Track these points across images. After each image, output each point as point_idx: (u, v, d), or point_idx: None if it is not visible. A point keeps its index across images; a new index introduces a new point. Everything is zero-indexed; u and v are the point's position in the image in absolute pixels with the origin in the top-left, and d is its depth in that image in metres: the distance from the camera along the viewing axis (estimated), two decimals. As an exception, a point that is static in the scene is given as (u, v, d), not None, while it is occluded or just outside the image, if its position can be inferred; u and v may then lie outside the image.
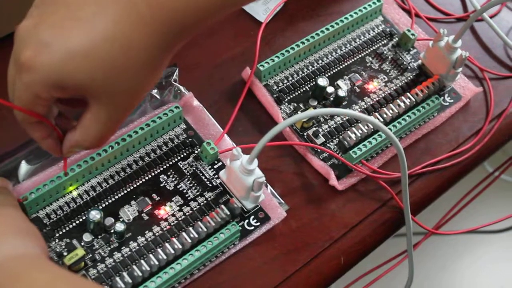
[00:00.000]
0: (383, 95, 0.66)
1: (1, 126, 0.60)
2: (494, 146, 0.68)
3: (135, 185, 0.57)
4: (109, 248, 0.54)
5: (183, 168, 0.59)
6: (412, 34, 0.68)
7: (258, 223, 0.58)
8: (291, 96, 0.64)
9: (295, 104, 0.64)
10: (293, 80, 0.65)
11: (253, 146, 0.55)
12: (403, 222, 0.62)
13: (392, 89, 0.66)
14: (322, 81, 0.63)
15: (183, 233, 0.54)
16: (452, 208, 0.79)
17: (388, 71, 0.67)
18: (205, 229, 0.55)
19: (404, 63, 0.68)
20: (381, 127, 0.54)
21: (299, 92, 0.65)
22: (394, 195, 0.62)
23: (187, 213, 0.57)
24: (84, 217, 0.55)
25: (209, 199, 0.58)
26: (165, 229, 0.56)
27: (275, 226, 0.58)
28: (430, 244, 1.22)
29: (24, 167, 0.56)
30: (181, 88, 0.62)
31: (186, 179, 0.58)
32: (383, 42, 0.69)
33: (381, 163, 0.63)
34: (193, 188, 0.58)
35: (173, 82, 0.62)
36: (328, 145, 0.62)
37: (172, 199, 0.57)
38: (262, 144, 0.52)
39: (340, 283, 0.67)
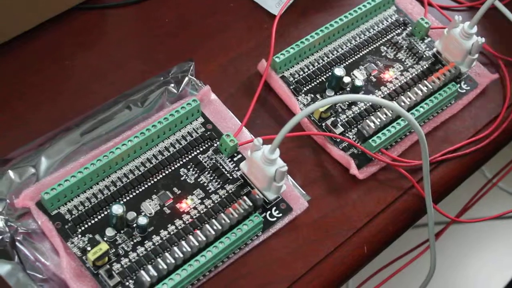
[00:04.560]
0: (399, 84, 0.65)
1: (18, 126, 0.59)
2: (512, 132, 0.68)
3: (155, 179, 0.57)
4: (132, 243, 0.54)
5: (203, 161, 0.59)
6: (426, 23, 0.68)
7: (280, 214, 0.57)
8: (308, 87, 0.64)
9: (312, 95, 0.63)
10: (309, 71, 0.65)
11: (273, 137, 0.55)
12: (425, 210, 0.61)
13: (408, 78, 0.66)
14: (339, 71, 0.63)
15: (207, 225, 0.54)
16: (472, 197, 0.79)
17: (403, 60, 0.67)
18: (228, 221, 0.54)
19: (419, 51, 0.68)
20: (402, 112, 0.54)
21: (316, 83, 0.64)
22: (415, 183, 0.61)
23: (209, 206, 0.56)
24: (105, 212, 0.55)
25: (230, 191, 0.57)
26: (187, 222, 0.55)
27: (297, 217, 0.58)
28: (452, 233, 1.21)
29: (44, 163, 0.56)
30: (198, 82, 0.62)
31: (206, 172, 0.58)
32: (397, 32, 0.69)
33: (401, 152, 0.63)
34: (213, 181, 0.58)
35: (190, 76, 0.62)
36: (347, 134, 0.62)
37: (193, 192, 0.57)
38: (285, 132, 0.52)
39: (363, 274, 0.67)
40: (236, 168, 0.59)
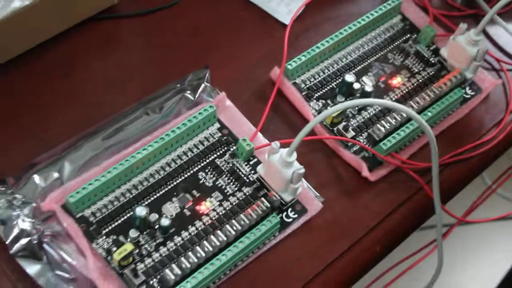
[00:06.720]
0: (407, 89, 0.68)
1: (41, 132, 0.61)
2: (516, 136, 0.70)
3: (175, 183, 0.59)
4: (154, 243, 0.56)
5: (221, 165, 0.61)
6: (432, 30, 0.70)
7: (296, 215, 0.59)
8: (319, 93, 0.66)
9: (323, 101, 0.66)
10: (320, 78, 0.67)
11: (288, 141, 0.57)
12: (433, 211, 0.63)
13: (415, 83, 0.68)
14: (350, 77, 0.65)
15: (227, 226, 0.56)
16: (474, 202, 0.81)
17: (410, 66, 0.70)
18: (247, 221, 0.56)
19: (425, 58, 0.70)
20: (413, 114, 0.56)
21: (327, 89, 0.66)
22: (424, 185, 0.63)
23: (227, 208, 0.58)
24: (128, 214, 0.57)
25: (247, 193, 0.59)
26: (207, 223, 0.57)
27: (312, 218, 0.60)
28: (458, 234, 1.23)
29: (67, 168, 0.58)
30: (213, 88, 0.64)
31: (224, 175, 0.60)
32: (403, 39, 0.71)
33: (410, 154, 0.65)
34: (231, 183, 0.60)
35: (206, 83, 0.64)
36: (358, 138, 0.64)
37: (212, 194, 0.59)
38: (302, 136, 0.54)
39: (372, 274, 0.69)
40: (253, 172, 0.61)
